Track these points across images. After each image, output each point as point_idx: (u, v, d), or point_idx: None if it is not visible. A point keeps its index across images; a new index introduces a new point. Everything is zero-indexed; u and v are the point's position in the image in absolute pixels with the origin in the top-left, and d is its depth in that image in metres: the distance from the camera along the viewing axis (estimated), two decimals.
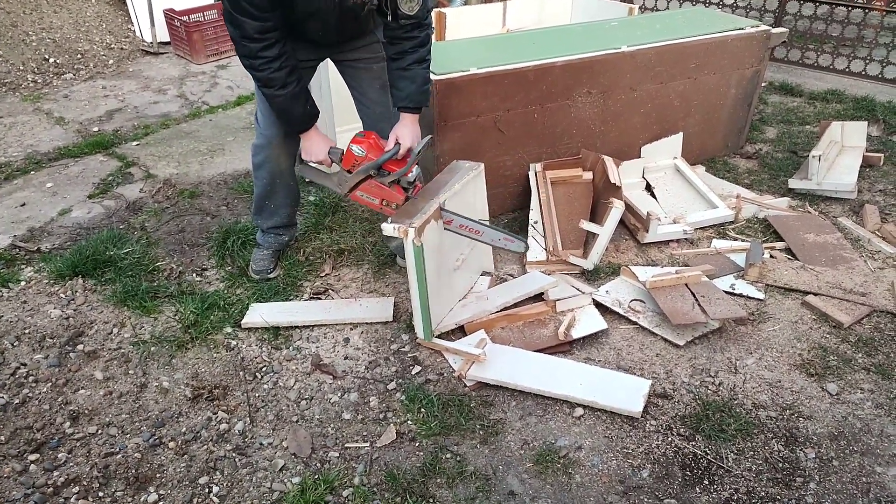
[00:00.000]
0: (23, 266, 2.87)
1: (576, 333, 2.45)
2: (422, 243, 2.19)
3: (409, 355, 2.42)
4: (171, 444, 2.07)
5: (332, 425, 2.15)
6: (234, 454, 2.04)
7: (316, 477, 1.96)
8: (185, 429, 2.13)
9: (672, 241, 3.04)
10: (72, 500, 1.89)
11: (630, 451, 2.05)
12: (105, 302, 2.64)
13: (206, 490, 1.93)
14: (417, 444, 2.07)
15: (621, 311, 2.58)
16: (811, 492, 1.91)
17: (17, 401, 2.20)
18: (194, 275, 2.86)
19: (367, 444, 2.07)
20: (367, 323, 2.57)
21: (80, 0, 5.86)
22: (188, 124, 4.42)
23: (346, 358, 2.42)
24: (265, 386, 2.30)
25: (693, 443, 2.07)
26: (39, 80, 4.96)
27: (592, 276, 2.80)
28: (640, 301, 2.63)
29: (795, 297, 2.68)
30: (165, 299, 2.67)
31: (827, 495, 1.90)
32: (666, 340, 2.46)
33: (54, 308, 2.60)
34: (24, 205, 3.40)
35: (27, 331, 2.49)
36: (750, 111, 3.74)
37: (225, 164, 3.85)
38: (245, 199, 3.45)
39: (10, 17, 5.34)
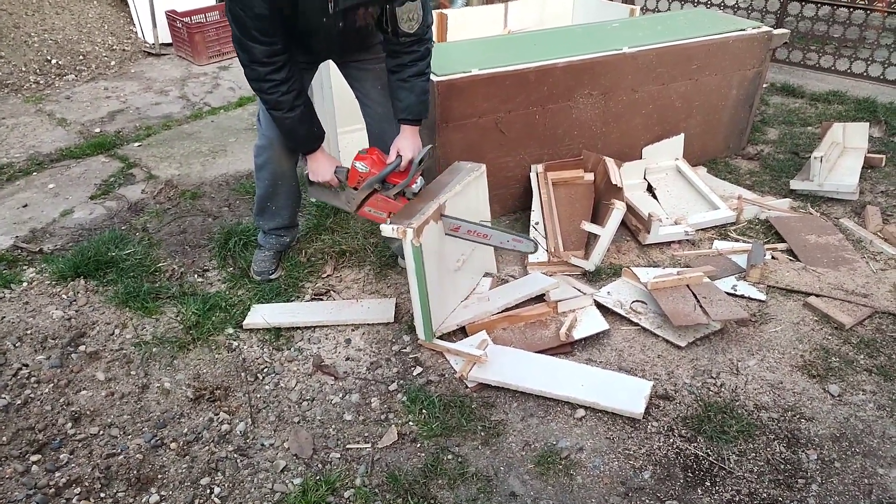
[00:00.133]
0: (25, 267, 2.88)
1: (577, 334, 2.45)
2: (420, 244, 2.19)
3: (411, 356, 2.42)
4: (173, 445, 2.07)
5: (333, 426, 2.15)
6: (235, 455, 2.05)
7: (317, 478, 1.96)
8: (186, 430, 2.13)
9: (673, 242, 3.04)
10: (73, 500, 1.89)
11: (631, 452, 2.05)
12: (107, 303, 2.65)
13: (208, 491, 1.93)
14: (419, 446, 2.07)
15: (623, 313, 2.58)
16: (813, 493, 1.91)
17: (18, 402, 2.20)
18: (196, 276, 2.86)
19: (369, 445, 2.08)
20: (368, 324, 2.57)
21: (82, 1, 5.87)
22: (190, 125, 4.42)
23: (347, 359, 2.42)
24: (267, 387, 2.30)
25: (695, 444, 2.06)
26: (41, 82, 4.97)
27: (594, 277, 2.80)
28: (642, 302, 2.63)
29: (797, 299, 2.68)
30: (167, 300, 2.67)
31: (829, 497, 1.90)
32: (667, 341, 2.46)
33: (56, 309, 2.61)
34: (26, 206, 3.40)
35: (29, 332, 2.49)
36: (751, 112, 3.74)
37: (227, 165, 3.85)
38: (247, 200, 3.45)
39: (12, 19, 5.35)
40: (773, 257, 2.90)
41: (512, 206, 3.24)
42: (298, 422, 2.17)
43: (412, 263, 2.22)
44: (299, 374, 2.35)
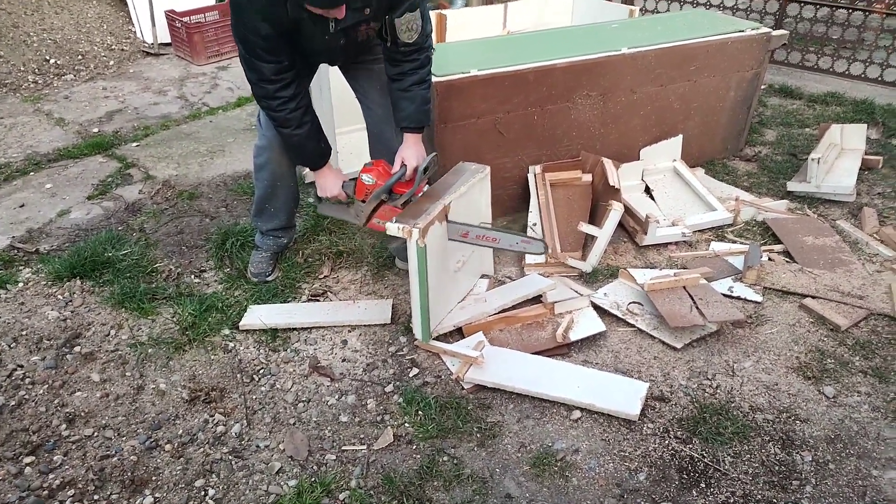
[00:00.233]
0: (21, 267, 2.87)
1: (574, 336, 2.45)
2: (425, 244, 2.18)
3: (407, 358, 2.42)
4: (168, 447, 2.07)
5: (329, 428, 2.15)
6: (230, 457, 2.04)
7: (312, 480, 1.96)
8: (181, 431, 2.13)
9: (670, 243, 3.04)
10: (67, 502, 1.89)
11: (627, 454, 2.05)
12: (103, 303, 2.64)
13: (202, 493, 1.93)
14: (414, 447, 2.07)
15: (619, 314, 2.58)
16: (807, 495, 1.91)
17: (13, 403, 2.20)
18: (193, 276, 2.86)
19: (365, 447, 2.07)
20: (365, 325, 2.57)
21: (81, 1, 5.87)
22: (188, 125, 4.42)
23: (343, 360, 2.42)
24: (262, 388, 2.30)
25: (690, 446, 2.06)
26: (40, 81, 4.97)
27: (591, 279, 2.80)
28: (639, 303, 2.63)
29: (793, 300, 2.68)
30: (163, 301, 2.67)
31: (823, 498, 1.90)
32: (664, 343, 2.46)
33: (52, 309, 2.60)
34: (23, 206, 3.40)
35: (24, 332, 2.49)
36: (749, 114, 3.74)
37: (225, 166, 3.85)
38: (244, 201, 3.45)
39: (11, 18, 5.34)
40: (769, 259, 2.90)
41: (510, 208, 3.24)
42: (294, 423, 2.17)
43: (415, 264, 2.21)
44: (295, 375, 2.35)
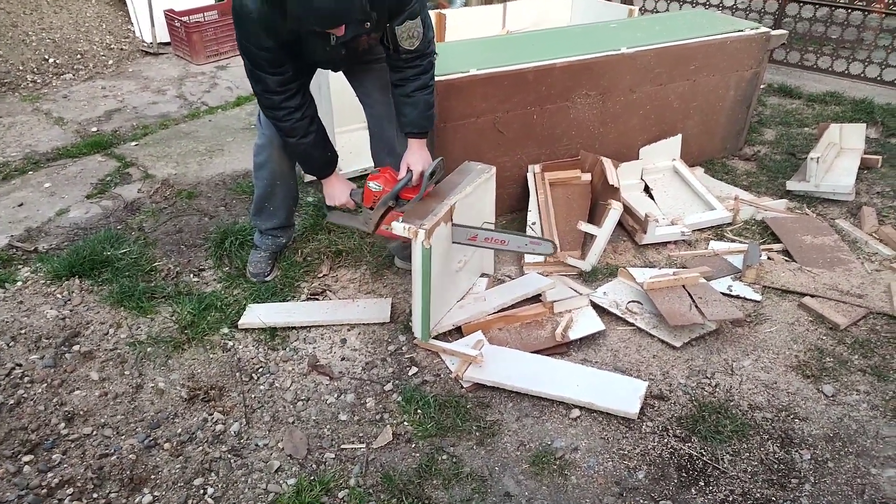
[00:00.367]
0: (20, 266, 2.87)
1: (573, 335, 2.45)
2: (430, 245, 2.18)
3: (406, 356, 2.42)
4: (167, 446, 2.07)
5: (328, 426, 2.15)
6: (229, 455, 2.04)
7: (312, 478, 1.95)
8: (180, 430, 2.12)
9: (670, 242, 3.04)
10: (66, 501, 1.89)
11: (626, 452, 2.05)
12: (101, 302, 2.64)
13: (202, 491, 1.93)
14: (414, 446, 2.07)
15: (618, 313, 2.58)
16: (806, 493, 1.91)
17: (11, 401, 2.19)
18: (192, 275, 2.85)
19: (364, 446, 2.07)
20: (364, 324, 2.57)
21: (81, 0, 5.87)
22: (187, 125, 4.42)
23: (342, 359, 2.42)
24: (261, 387, 2.29)
25: (689, 444, 2.06)
26: (39, 80, 4.96)
27: (590, 278, 2.80)
28: (638, 302, 2.63)
29: (792, 299, 2.68)
30: (162, 300, 2.67)
31: (822, 497, 1.90)
32: (663, 342, 2.46)
33: (50, 308, 2.60)
34: (21, 205, 3.40)
35: (23, 331, 2.48)
36: (749, 113, 3.74)
37: (223, 165, 3.85)
38: (243, 200, 3.45)
39: (10, 17, 5.34)
40: (768, 258, 2.90)
41: (509, 207, 3.24)
42: (293, 422, 2.16)
43: (419, 264, 2.21)
44: (294, 374, 2.35)
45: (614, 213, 2.75)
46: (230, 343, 2.47)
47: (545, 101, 3.04)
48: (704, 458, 2.02)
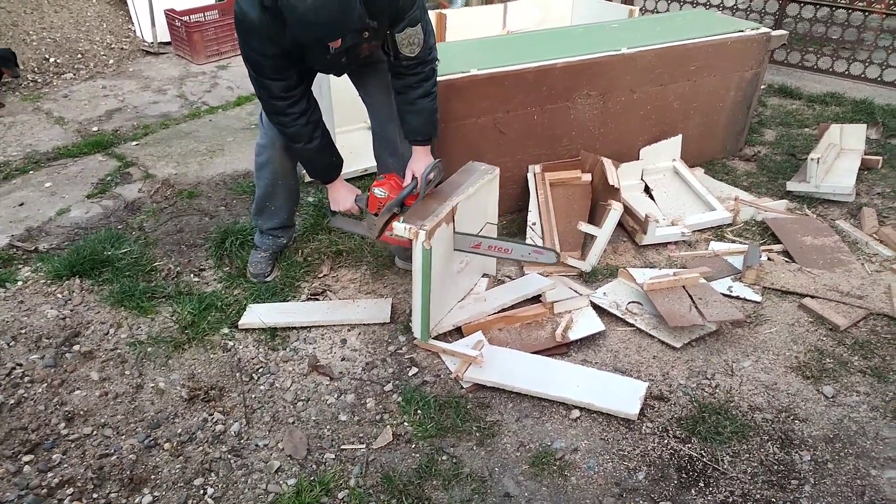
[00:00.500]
0: (20, 266, 2.87)
1: (573, 335, 2.45)
2: (431, 246, 2.18)
3: (407, 357, 2.42)
4: (167, 446, 2.07)
5: (328, 427, 2.15)
6: (229, 455, 2.04)
7: (311, 479, 1.96)
8: (180, 430, 2.13)
9: (670, 243, 3.04)
10: (66, 501, 1.89)
11: (626, 453, 2.05)
12: (102, 302, 2.64)
13: (201, 492, 1.93)
14: (414, 446, 2.07)
15: (619, 314, 2.58)
16: (806, 494, 1.91)
17: (11, 401, 2.20)
18: (192, 275, 2.86)
19: (364, 446, 2.07)
20: (364, 324, 2.57)
21: (81, 0, 5.87)
22: (188, 124, 4.42)
23: (343, 359, 2.42)
24: (262, 387, 2.30)
25: (689, 445, 2.06)
26: (39, 80, 4.96)
27: (590, 278, 2.80)
28: (638, 303, 2.63)
29: (792, 300, 2.68)
30: (163, 300, 2.67)
31: (822, 498, 1.90)
32: (663, 343, 2.46)
33: (51, 308, 2.60)
34: (22, 204, 3.40)
35: (23, 331, 2.49)
36: (749, 114, 3.74)
37: (224, 165, 3.85)
38: (244, 200, 3.45)
39: (10, 17, 5.34)
40: (768, 259, 2.90)
41: (509, 207, 3.24)
42: (293, 422, 2.17)
43: (420, 265, 2.21)
44: (294, 374, 2.35)
45: (614, 213, 2.75)
46: (230, 343, 2.47)
47: (546, 102, 3.04)
48: (704, 459, 2.02)
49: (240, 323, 2.54)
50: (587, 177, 3.08)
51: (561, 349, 2.43)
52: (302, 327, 2.55)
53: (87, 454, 2.03)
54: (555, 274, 2.80)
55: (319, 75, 2.83)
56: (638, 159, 3.44)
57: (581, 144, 3.24)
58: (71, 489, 1.92)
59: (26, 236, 3.12)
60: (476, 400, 2.23)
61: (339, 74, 2.44)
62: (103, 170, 3.76)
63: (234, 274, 2.83)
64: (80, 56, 5.37)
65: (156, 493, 1.92)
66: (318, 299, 2.72)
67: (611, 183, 2.86)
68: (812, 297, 2.66)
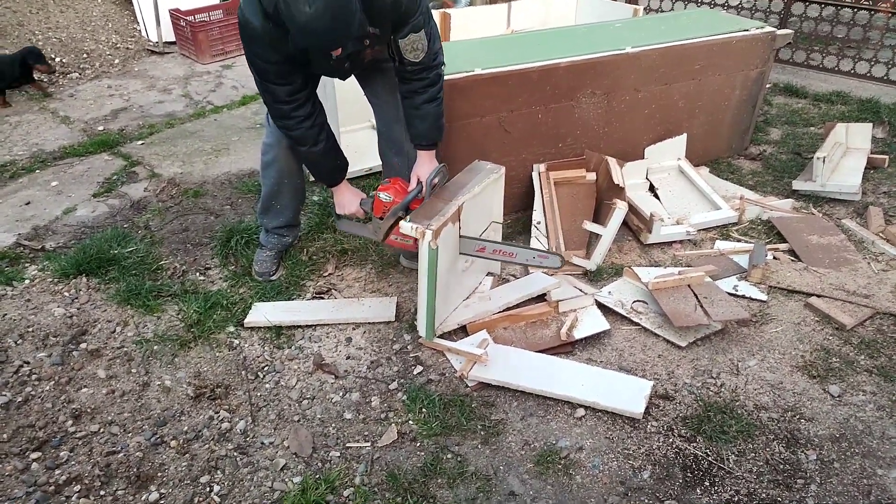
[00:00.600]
0: (27, 264, 2.89)
1: (578, 334, 2.45)
2: (437, 246, 2.18)
3: (412, 355, 2.42)
4: (173, 443, 2.08)
5: (333, 425, 2.15)
6: (235, 453, 2.05)
7: (317, 476, 1.96)
8: (186, 428, 2.13)
9: (675, 242, 3.04)
10: (73, 498, 1.90)
11: (631, 452, 2.05)
12: (108, 300, 2.65)
13: (208, 489, 1.94)
14: (418, 444, 2.07)
15: (623, 312, 2.58)
16: (812, 494, 1.91)
17: (19, 399, 2.21)
18: (197, 274, 2.87)
19: (369, 444, 2.08)
20: (369, 323, 2.57)
21: (87, 0, 5.89)
22: (193, 124, 4.43)
23: (348, 357, 2.43)
24: (267, 385, 2.30)
25: (694, 444, 2.06)
26: (45, 79, 4.98)
27: (595, 277, 2.80)
28: (643, 302, 2.63)
29: (798, 299, 2.67)
30: (168, 298, 2.68)
31: (828, 497, 1.90)
32: (668, 341, 2.46)
33: (58, 306, 2.62)
34: (28, 203, 3.41)
35: (31, 329, 2.50)
36: (754, 112, 3.73)
37: (229, 164, 3.86)
38: (249, 199, 3.46)
39: (16, 17, 5.36)
40: (774, 258, 2.89)
41: (514, 206, 3.24)
42: (298, 420, 2.17)
43: (426, 265, 2.21)
44: (300, 372, 2.36)
45: (619, 212, 2.75)
46: (236, 341, 2.48)
47: (550, 101, 3.04)
48: (710, 458, 2.01)
49: (245, 321, 2.55)
50: (592, 176, 3.08)
51: (566, 348, 2.43)
52: (307, 326, 2.55)
53: (94, 451, 2.04)
54: (560, 273, 2.79)
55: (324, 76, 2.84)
56: (643, 158, 3.43)
57: (585, 143, 3.24)
58: (78, 486, 1.93)
59: (33, 235, 3.14)
60: (481, 398, 2.24)
61: (343, 78, 2.45)
62: (109, 169, 3.78)
63: (239, 273, 2.84)
64: (85, 56, 5.39)
65: (162, 491, 1.93)
66: (323, 298, 2.72)
67: (615, 182, 2.85)
68: (818, 296, 2.65)
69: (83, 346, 2.44)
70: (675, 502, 1.89)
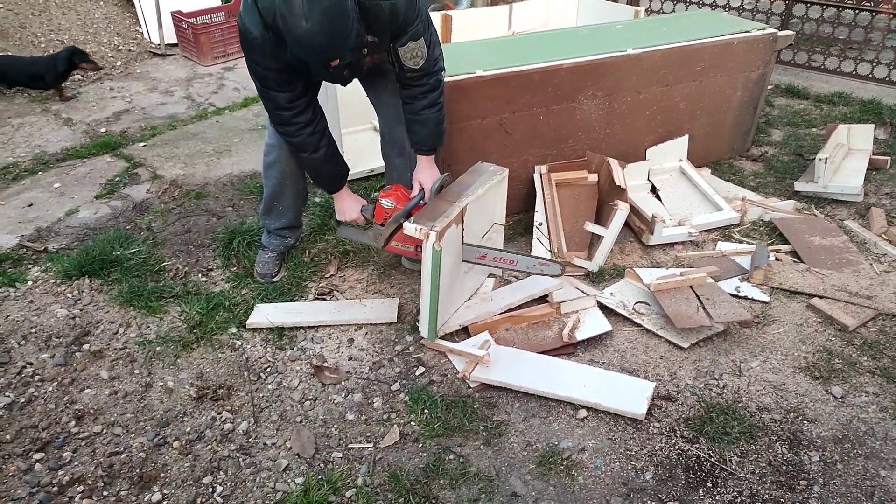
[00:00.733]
0: (30, 266, 2.89)
1: (580, 335, 2.45)
2: (441, 247, 2.18)
3: (414, 356, 2.43)
4: (176, 444, 2.08)
5: (335, 426, 2.16)
6: (237, 454, 2.05)
7: (319, 477, 1.96)
8: (189, 428, 2.14)
9: (677, 243, 3.04)
10: (76, 499, 1.90)
11: (633, 453, 2.05)
12: (111, 302, 2.66)
13: (210, 490, 1.94)
14: (421, 445, 2.07)
15: (625, 314, 2.58)
16: (815, 495, 1.90)
17: (22, 400, 2.21)
18: (200, 275, 2.87)
19: (371, 445, 2.08)
20: (371, 324, 2.57)
21: (89, 2, 5.90)
22: (195, 125, 4.44)
23: (350, 359, 2.43)
24: (269, 386, 2.31)
25: (697, 445, 2.06)
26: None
27: (597, 278, 2.80)
28: (645, 303, 2.63)
29: (800, 300, 2.67)
30: (171, 299, 2.68)
31: (831, 499, 1.89)
32: (670, 343, 2.46)
33: (61, 308, 2.62)
34: (31, 205, 3.42)
35: (33, 330, 2.50)
36: (756, 114, 3.73)
37: (231, 166, 3.86)
38: (251, 200, 3.46)
39: (18, 19, 5.38)
40: (776, 259, 2.89)
41: (515, 207, 3.24)
42: (301, 421, 2.17)
43: (429, 266, 2.21)
44: (302, 373, 2.36)
45: (621, 213, 2.75)
46: (238, 343, 2.48)
47: (551, 102, 3.04)
48: (712, 460, 2.01)
49: (247, 322, 2.55)
50: (593, 177, 3.08)
51: (568, 349, 2.44)
52: (309, 327, 2.56)
53: (97, 452, 2.04)
54: (561, 274, 2.80)
55: None
56: (644, 160, 3.44)
57: (587, 145, 3.24)
58: (81, 487, 1.93)
59: (36, 236, 3.15)
60: (483, 399, 2.24)
61: (344, 84, 2.46)
62: (111, 170, 3.78)
63: (241, 274, 2.84)
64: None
65: (165, 491, 1.93)
66: (325, 299, 2.73)
67: (617, 183, 2.85)
68: (820, 297, 2.65)
69: (86, 347, 2.45)
70: (677, 503, 1.89)
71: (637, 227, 3.08)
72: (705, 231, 3.12)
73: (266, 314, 2.57)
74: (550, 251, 2.87)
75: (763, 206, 3.24)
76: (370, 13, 1.99)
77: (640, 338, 2.50)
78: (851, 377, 2.30)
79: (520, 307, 2.59)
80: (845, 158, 3.55)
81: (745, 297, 2.67)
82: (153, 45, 5.83)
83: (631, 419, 2.14)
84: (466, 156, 2.86)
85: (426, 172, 2.44)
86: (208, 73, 5.42)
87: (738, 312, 2.46)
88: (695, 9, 5.93)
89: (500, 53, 3.15)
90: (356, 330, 2.56)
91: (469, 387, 2.28)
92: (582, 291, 2.69)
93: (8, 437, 2.08)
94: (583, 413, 2.17)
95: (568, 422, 2.15)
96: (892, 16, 5.30)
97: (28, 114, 4.51)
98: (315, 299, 2.72)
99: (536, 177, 3.14)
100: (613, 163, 2.98)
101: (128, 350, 2.44)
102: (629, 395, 2.19)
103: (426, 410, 2.17)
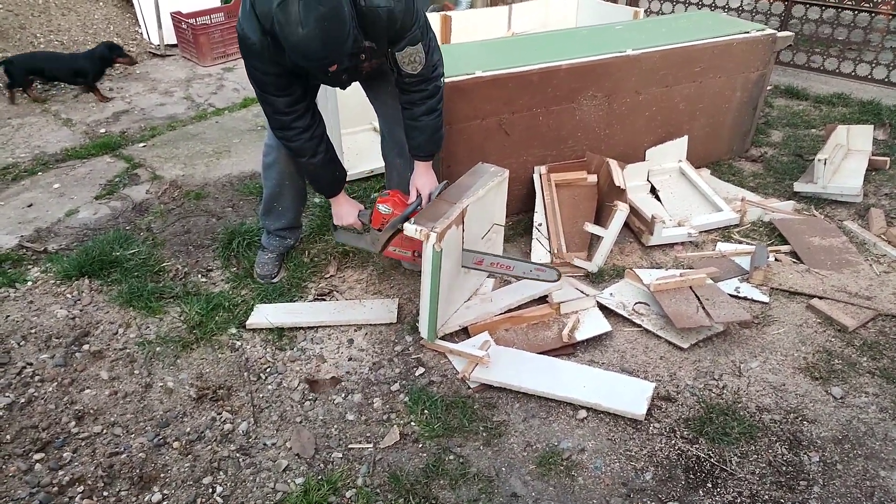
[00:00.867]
0: (29, 266, 2.89)
1: (580, 336, 2.45)
2: (441, 249, 2.18)
3: (413, 357, 2.43)
4: (176, 444, 2.08)
5: (335, 426, 2.16)
6: (237, 454, 2.05)
7: (319, 478, 1.96)
8: (189, 429, 2.14)
9: (677, 243, 3.04)
10: (76, 499, 1.90)
11: (633, 453, 2.05)
12: (111, 302, 2.66)
13: (210, 490, 1.94)
14: (421, 446, 2.08)
15: (625, 314, 2.58)
16: (815, 495, 1.91)
17: (22, 400, 2.21)
18: (199, 276, 2.87)
19: (371, 446, 2.08)
20: (371, 324, 2.57)
21: (88, 2, 5.90)
22: (194, 126, 4.44)
23: (350, 359, 2.43)
24: (269, 386, 2.31)
25: (696, 446, 2.06)
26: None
27: (596, 279, 2.80)
28: (645, 304, 2.63)
29: (800, 301, 2.67)
30: (171, 300, 2.68)
31: (831, 499, 1.90)
32: (670, 343, 2.46)
33: (60, 308, 2.62)
34: (31, 205, 3.42)
35: (33, 330, 2.50)
36: (755, 114, 3.74)
37: (231, 166, 3.86)
38: (250, 201, 3.46)
39: (18, 20, 5.38)
40: (776, 259, 2.89)
41: (515, 208, 3.24)
42: (301, 421, 2.17)
43: (429, 267, 2.21)
44: (302, 374, 2.36)
45: (621, 214, 2.75)
46: (238, 343, 2.48)
47: (551, 103, 3.04)
48: (712, 460, 2.01)
49: (247, 323, 2.55)
50: (593, 178, 3.08)
51: (567, 349, 2.44)
52: (309, 327, 2.56)
53: (97, 452, 2.04)
54: (558, 279, 2.80)
55: None
56: (644, 160, 3.44)
57: (587, 146, 3.24)
58: (81, 487, 1.93)
59: (35, 237, 3.15)
60: (483, 400, 2.24)
61: (343, 88, 2.46)
62: (111, 171, 3.78)
63: (241, 274, 2.84)
64: None
65: (165, 492, 1.93)
66: (324, 300, 2.73)
67: (617, 184, 2.86)
68: (820, 297, 2.65)
69: (86, 347, 2.45)
70: (677, 503, 1.89)
71: (637, 227, 3.08)
72: (705, 232, 3.12)
73: (266, 315, 2.57)
74: (550, 252, 2.87)
75: (762, 206, 3.24)
76: (367, 18, 1.99)
77: (639, 338, 2.51)
78: (851, 378, 2.30)
79: (519, 307, 2.59)
80: (844, 159, 3.55)
81: (745, 298, 2.67)
82: (153, 46, 5.83)
83: (631, 420, 2.15)
84: (466, 157, 2.86)
85: (423, 178, 2.45)
86: (208, 74, 5.42)
87: (738, 313, 2.46)
88: (694, 9, 5.93)
89: (499, 54, 3.15)
90: (356, 330, 2.56)
91: (469, 387, 2.28)
92: (582, 292, 2.69)
93: (8, 437, 2.08)
94: (583, 413, 2.17)
95: (568, 422, 2.16)
96: (890, 17, 5.31)
97: (27, 114, 4.51)
98: (315, 300, 2.72)
99: (536, 177, 3.14)
100: (613, 163, 2.98)
101: (128, 350, 2.44)
102: (629, 395, 2.19)
103: (426, 411, 2.17)
